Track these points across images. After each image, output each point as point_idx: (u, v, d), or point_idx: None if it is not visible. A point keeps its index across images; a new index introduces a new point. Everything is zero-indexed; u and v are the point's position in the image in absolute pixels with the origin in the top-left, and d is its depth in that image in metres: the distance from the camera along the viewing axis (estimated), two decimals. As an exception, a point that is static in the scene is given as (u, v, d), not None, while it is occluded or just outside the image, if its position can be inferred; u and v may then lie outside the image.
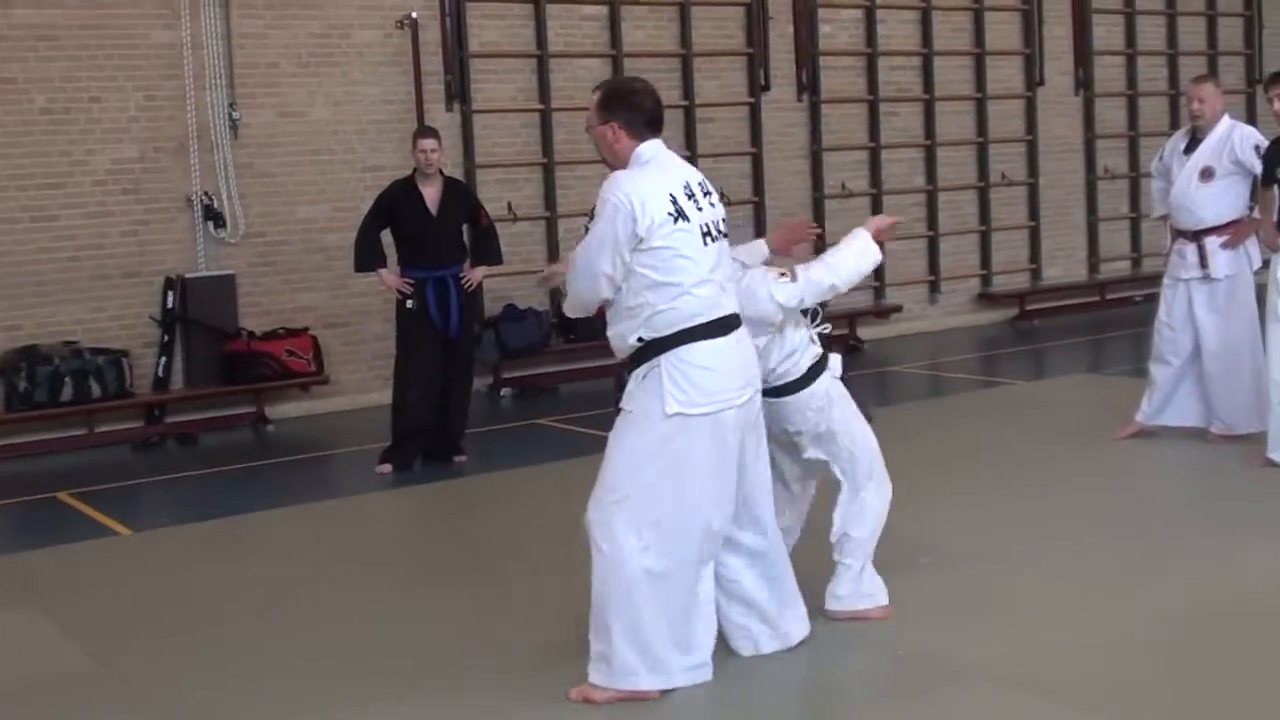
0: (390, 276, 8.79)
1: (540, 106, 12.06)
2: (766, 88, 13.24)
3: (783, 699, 4.79)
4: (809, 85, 13.51)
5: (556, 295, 11.12)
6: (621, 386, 4.75)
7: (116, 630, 5.86)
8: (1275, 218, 7.49)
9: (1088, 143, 15.59)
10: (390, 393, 8.97)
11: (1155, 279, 9.21)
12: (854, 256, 5.21)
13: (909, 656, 5.02)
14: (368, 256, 8.80)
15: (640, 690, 4.64)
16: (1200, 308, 8.05)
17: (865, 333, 13.49)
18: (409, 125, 10.75)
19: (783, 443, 5.36)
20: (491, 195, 11.34)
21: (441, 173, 8.78)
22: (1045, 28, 15.10)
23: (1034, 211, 15.18)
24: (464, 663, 5.15)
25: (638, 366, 4.65)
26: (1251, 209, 8.03)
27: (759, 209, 13.12)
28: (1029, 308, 14.73)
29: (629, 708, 4.61)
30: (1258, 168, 7.73)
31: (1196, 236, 8.02)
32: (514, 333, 11.53)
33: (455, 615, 5.73)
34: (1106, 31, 15.65)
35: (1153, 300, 8.64)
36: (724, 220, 4.79)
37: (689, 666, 4.71)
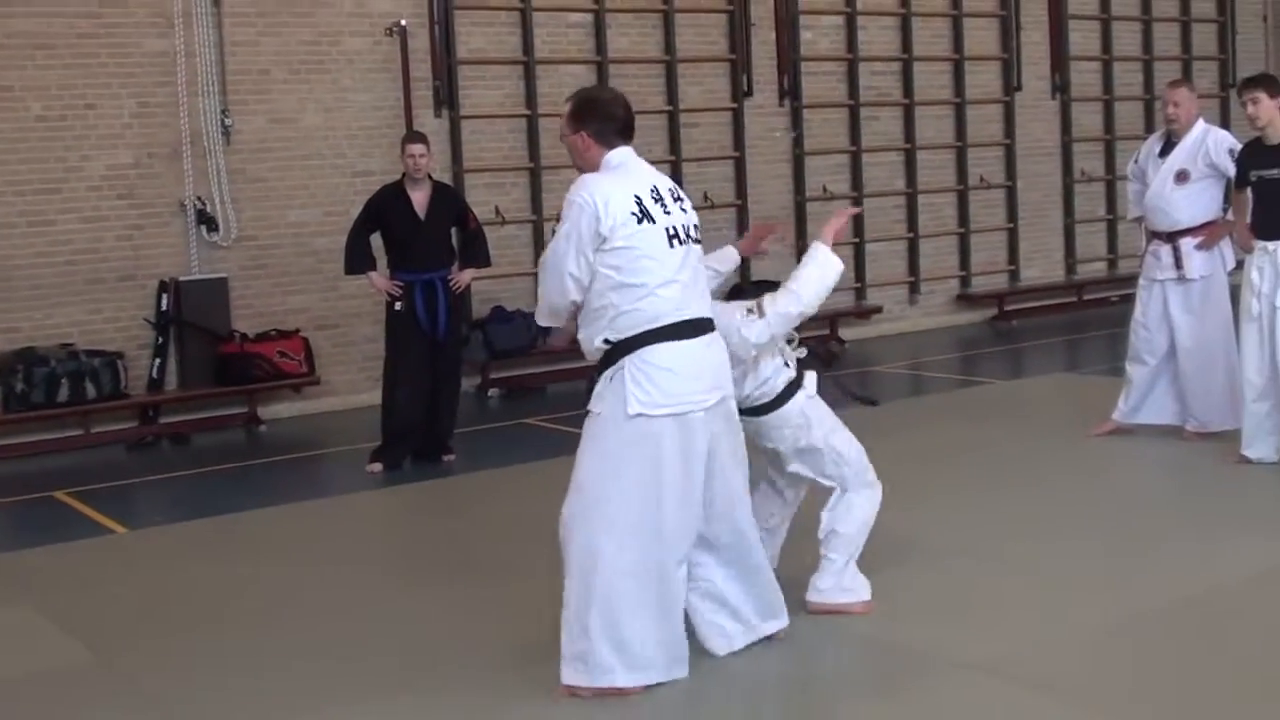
0: (380, 279, 8.87)
1: (527, 112, 12.13)
2: (749, 93, 13.34)
3: (761, 694, 4.80)
4: (790, 90, 13.62)
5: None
6: (591, 389, 4.77)
7: (113, 626, 5.91)
8: (1248, 219, 7.58)
9: (1065, 146, 15.69)
10: (380, 393, 9.04)
11: (1131, 280, 9.36)
12: (817, 274, 5.16)
13: (890, 651, 5.03)
14: (357, 260, 8.85)
15: (617, 687, 4.65)
16: (1175, 308, 8.11)
17: (846, 333, 13.58)
18: (398, 131, 10.79)
19: (769, 456, 5.44)
20: (479, 199, 11.44)
21: (430, 177, 8.83)
22: (1023, 34, 15.21)
23: (1012, 214, 15.27)
24: (456, 661, 5.17)
25: (605, 369, 4.68)
26: (1225, 211, 8.15)
27: (741, 212, 13.18)
28: (1007, 308, 14.81)
29: (612, 706, 4.63)
30: (1231, 171, 7.80)
31: (1171, 238, 8.09)
32: (502, 334, 11.60)
33: (446, 613, 5.76)
34: (1083, 37, 15.76)
35: (1129, 301, 8.71)
36: (696, 227, 4.82)
37: (666, 663, 4.73)
